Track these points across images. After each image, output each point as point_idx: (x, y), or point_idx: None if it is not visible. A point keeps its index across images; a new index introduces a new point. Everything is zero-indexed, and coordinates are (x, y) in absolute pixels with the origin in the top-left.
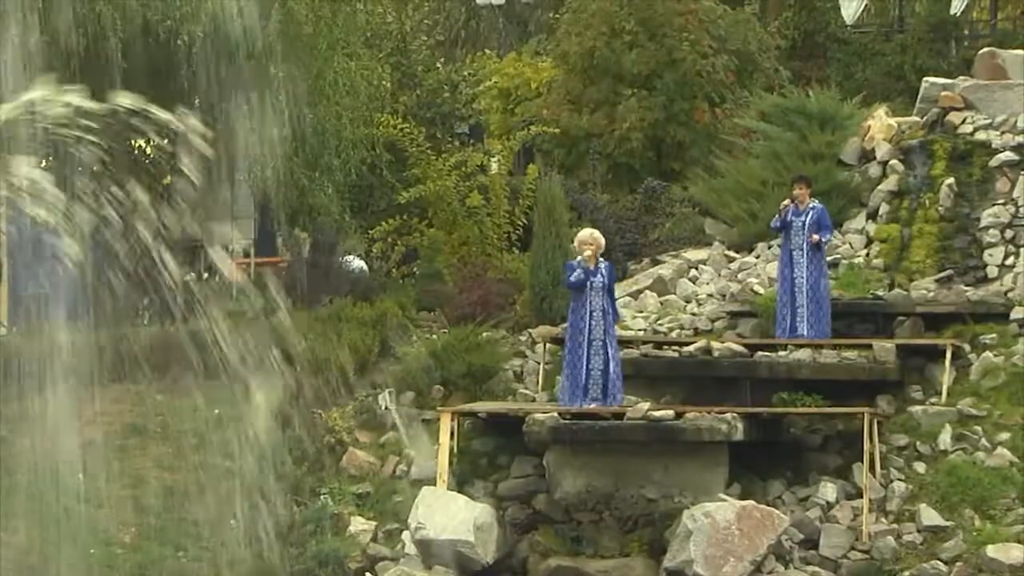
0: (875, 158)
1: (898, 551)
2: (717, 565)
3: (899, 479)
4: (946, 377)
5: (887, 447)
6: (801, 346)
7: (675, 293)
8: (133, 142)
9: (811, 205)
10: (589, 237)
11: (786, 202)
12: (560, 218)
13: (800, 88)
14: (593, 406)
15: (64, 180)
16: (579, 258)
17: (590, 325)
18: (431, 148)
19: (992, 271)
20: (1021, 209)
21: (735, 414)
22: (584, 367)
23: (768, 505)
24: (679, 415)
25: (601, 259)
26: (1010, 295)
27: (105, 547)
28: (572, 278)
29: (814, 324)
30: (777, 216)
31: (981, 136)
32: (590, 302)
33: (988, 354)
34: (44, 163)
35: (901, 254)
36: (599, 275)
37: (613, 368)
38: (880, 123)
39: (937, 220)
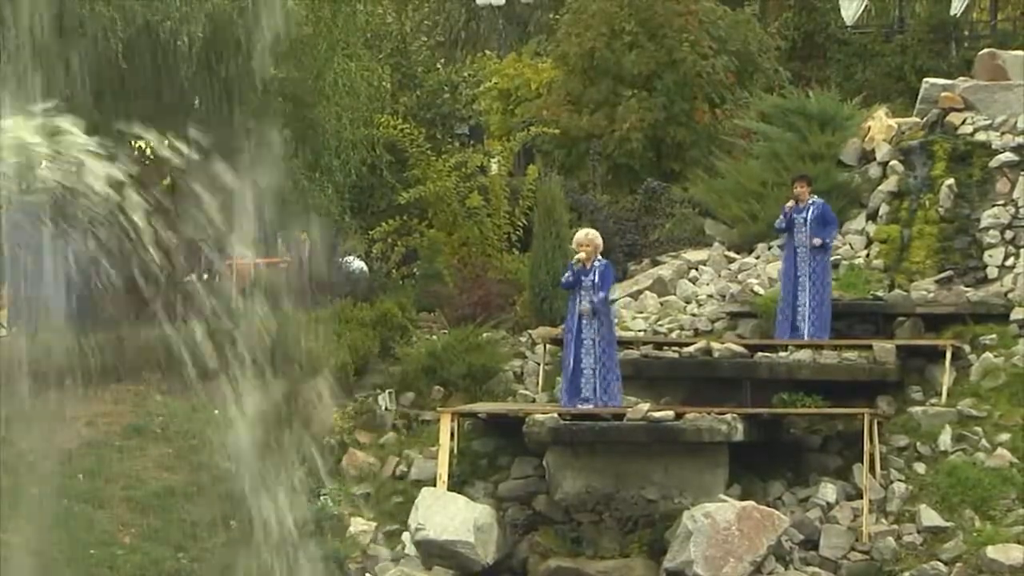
0: (875, 159)
1: (898, 552)
2: (717, 566)
3: (899, 480)
4: (946, 378)
5: (887, 448)
6: (801, 347)
7: (675, 294)
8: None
9: (811, 201)
10: (584, 238)
11: (790, 203)
12: (560, 219)
13: (800, 89)
14: (588, 407)
15: None
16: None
17: (580, 325)
18: (431, 149)
19: (992, 272)
20: (1021, 210)
21: (735, 415)
22: (576, 367)
23: (768, 506)
24: (679, 416)
25: (599, 259)
26: (1010, 296)
27: (105, 547)
28: (563, 280)
29: (815, 322)
30: (782, 217)
31: (981, 137)
32: (580, 302)
33: (988, 355)
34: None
35: (901, 255)
36: (591, 276)
37: (607, 368)
38: (880, 124)
39: (937, 221)
